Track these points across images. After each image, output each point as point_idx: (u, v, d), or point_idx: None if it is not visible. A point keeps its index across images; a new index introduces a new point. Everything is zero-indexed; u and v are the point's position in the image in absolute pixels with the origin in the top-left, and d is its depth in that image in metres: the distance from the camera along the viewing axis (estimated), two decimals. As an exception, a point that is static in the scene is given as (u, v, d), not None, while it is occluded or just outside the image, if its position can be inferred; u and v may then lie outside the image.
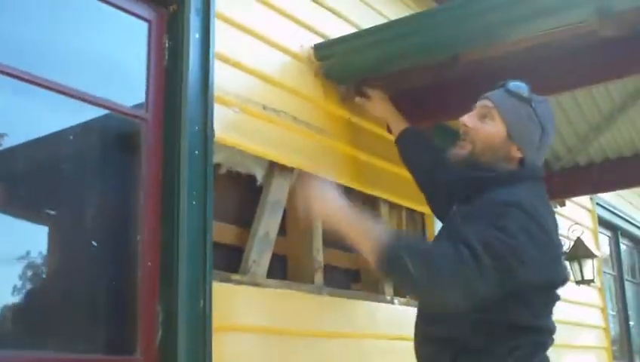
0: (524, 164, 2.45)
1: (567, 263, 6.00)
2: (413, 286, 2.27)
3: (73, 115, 2.49)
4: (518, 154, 2.44)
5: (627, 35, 2.91)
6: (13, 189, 2.36)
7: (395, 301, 3.65)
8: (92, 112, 2.52)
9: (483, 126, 2.45)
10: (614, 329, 7.56)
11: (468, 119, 2.47)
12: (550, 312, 2.41)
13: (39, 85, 2.27)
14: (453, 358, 2.29)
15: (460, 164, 2.49)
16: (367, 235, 2.27)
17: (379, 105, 3.39)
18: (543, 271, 2.23)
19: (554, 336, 2.38)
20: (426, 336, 2.45)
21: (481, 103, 2.49)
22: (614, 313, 7.69)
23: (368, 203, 3.79)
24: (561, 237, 5.88)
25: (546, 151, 2.53)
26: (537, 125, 2.44)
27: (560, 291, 2.42)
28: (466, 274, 2.11)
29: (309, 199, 2.41)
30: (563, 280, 2.39)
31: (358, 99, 3.42)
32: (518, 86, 2.48)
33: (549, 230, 2.30)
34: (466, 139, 2.47)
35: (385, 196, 3.75)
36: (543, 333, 2.35)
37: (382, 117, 3.42)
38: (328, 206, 2.39)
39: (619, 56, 3.10)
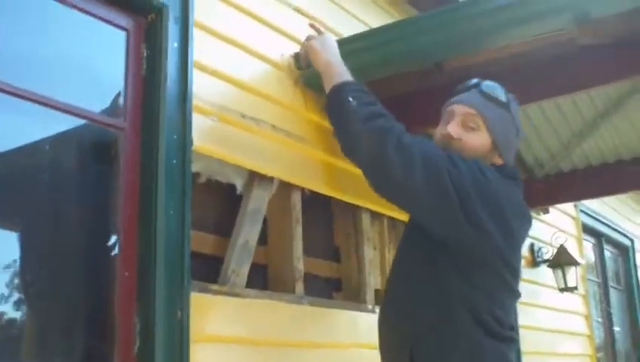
0: (503, 166, 2.45)
1: (550, 270, 6.03)
2: (347, 120, 2.39)
3: (51, 124, 2.47)
4: (499, 161, 2.45)
5: (607, 43, 2.92)
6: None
7: (377, 310, 3.63)
8: (70, 122, 2.50)
9: (469, 136, 2.42)
10: (600, 336, 7.57)
11: (453, 130, 2.43)
12: (510, 307, 2.41)
13: (17, 96, 2.25)
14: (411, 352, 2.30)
15: None
16: (338, 76, 2.54)
17: None
18: (482, 224, 2.22)
19: (517, 338, 2.41)
20: (390, 336, 2.46)
21: (463, 110, 2.45)
22: (600, 320, 7.71)
23: (349, 212, 3.79)
24: (542, 244, 5.94)
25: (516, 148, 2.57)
26: (515, 129, 2.47)
27: (524, 290, 2.46)
28: (387, 141, 2.25)
29: (313, 39, 2.77)
30: (511, 259, 2.36)
31: None
32: (494, 87, 2.47)
33: (506, 210, 2.31)
34: (450, 149, 2.40)
35: (366, 205, 3.74)
36: (504, 326, 2.33)
37: None
38: (322, 47, 2.71)
39: (600, 64, 3.12)
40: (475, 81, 2.51)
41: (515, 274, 2.39)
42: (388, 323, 2.48)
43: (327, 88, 2.54)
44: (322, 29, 2.88)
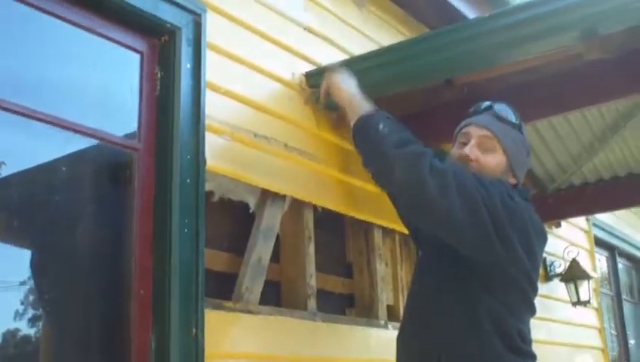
0: (518, 187, 2.51)
1: (563, 284, 6.02)
2: (379, 146, 2.40)
3: (68, 145, 2.51)
4: (513, 181, 2.49)
5: (615, 58, 2.94)
6: (7, 218, 2.38)
7: (389, 326, 3.65)
8: (86, 143, 2.54)
9: (486, 158, 2.48)
10: (614, 349, 7.54)
11: (470, 152, 2.48)
12: (527, 319, 2.46)
13: (35, 118, 2.30)
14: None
15: None
16: (363, 106, 2.57)
17: None
18: (512, 246, 2.27)
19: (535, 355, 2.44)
20: (410, 347, 2.49)
21: (479, 132, 2.51)
22: (614, 333, 7.69)
23: (361, 229, 3.81)
24: (555, 258, 5.94)
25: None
26: (526, 150, 2.53)
27: (537, 304, 2.48)
28: (422, 165, 2.26)
29: (333, 76, 2.81)
30: (533, 277, 2.42)
31: None
32: (506, 110, 2.53)
33: (530, 230, 2.36)
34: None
35: (378, 221, 3.76)
36: (526, 342, 2.39)
37: None
38: (342, 82, 2.74)
39: (608, 79, 3.13)
40: (487, 103, 2.57)
41: (536, 291, 2.46)
42: (411, 338, 2.51)
43: (353, 118, 2.56)
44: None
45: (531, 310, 2.46)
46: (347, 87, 2.71)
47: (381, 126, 2.43)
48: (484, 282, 2.33)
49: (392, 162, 2.34)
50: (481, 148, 2.49)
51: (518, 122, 2.53)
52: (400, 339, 2.55)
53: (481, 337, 2.29)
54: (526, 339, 2.38)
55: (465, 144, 2.52)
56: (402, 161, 2.31)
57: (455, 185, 2.23)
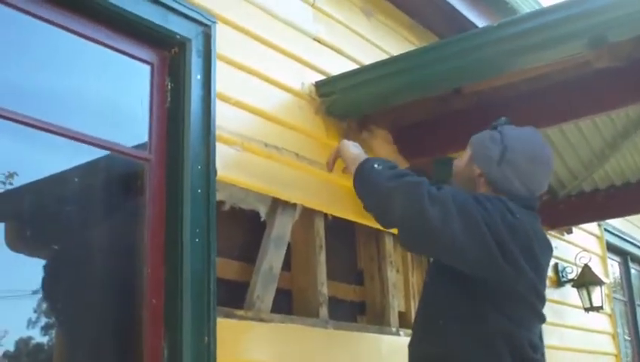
0: (522, 197, 2.49)
1: (575, 290, 6.00)
2: (376, 184, 2.47)
3: (80, 157, 2.54)
4: (478, 171, 2.53)
5: (623, 66, 2.94)
6: (21, 228, 2.41)
7: (401, 332, 3.66)
8: (98, 154, 2.57)
9: (460, 157, 2.67)
10: (628, 354, 7.51)
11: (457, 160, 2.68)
12: (537, 328, 2.47)
13: (49, 130, 2.33)
14: None
15: None
16: (361, 158, 2.66)
17: (383, 145, 3.45)
18: (517, 262, 2.29)
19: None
20: (417, 354, 2.50)
21: None
22: (628, 338, 7.66)
23: (372, 236, 3.82)
24: (567, 264, 5.93)
25: (520, 169, 2.48)
26: (498, 143, 2.52)
27: (546, 312, 2.49)
28: (421, 194, 2.29)
29: (340, 147, 2.86)
30: (541, 290, 2.44)
31: (365, 133, 3.44)
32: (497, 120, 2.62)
33: (534, 243, 2.38)
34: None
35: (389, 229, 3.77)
36: (537, 352, 2.40)
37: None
38: (351, 147, 2.79)
39: (617, 86, 3.13)
40: None
41: (543, 302, 2.47)
42: (419, 345, 2.52)
43: (354, 171, 2.65)
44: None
45: (540, 319, 2.48)
46: (354, 148, 2.79)
47: (376, 165, 2.54)
48: (492, 299, 2.34)
49: (390, 194, 2.40)
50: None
51: (495, 123, 2.60)
52: (410, 346, 2.57)
53: (493, 356, 2.30)
54: (537, 349, 2.39)
55: None
56: (400, 193, 2.37)
57: (456, 210, 2.26)
